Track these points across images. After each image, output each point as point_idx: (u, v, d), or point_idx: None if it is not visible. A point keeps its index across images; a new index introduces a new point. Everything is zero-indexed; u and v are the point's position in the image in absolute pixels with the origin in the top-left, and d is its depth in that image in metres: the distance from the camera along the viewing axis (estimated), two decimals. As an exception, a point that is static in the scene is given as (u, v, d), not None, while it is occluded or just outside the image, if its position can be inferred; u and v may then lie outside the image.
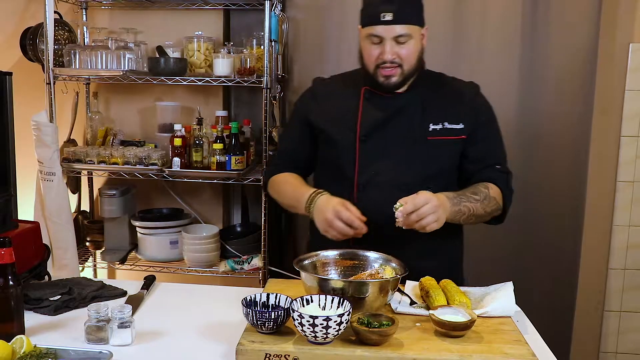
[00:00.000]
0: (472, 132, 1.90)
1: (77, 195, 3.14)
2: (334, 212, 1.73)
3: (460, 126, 1.89)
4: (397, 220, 1.68)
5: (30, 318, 1.63)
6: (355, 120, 1.90)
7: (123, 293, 1.85)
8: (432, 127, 1.87)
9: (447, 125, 1.88)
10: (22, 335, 1.42)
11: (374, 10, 1.78)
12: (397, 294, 1.66)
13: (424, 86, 1.92)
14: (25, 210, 2.78)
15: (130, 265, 2.92)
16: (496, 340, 1.46)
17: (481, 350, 1.41)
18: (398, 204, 1.68)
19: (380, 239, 1.79)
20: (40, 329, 1.60)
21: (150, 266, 2.88)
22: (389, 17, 1.76)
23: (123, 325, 1.51)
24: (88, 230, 3.09)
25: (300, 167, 2.06)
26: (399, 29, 1.77)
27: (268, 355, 1.39)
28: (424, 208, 1.65)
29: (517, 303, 1.83)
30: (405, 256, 1.71)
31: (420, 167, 1.87)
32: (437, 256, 1.90)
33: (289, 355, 1.38)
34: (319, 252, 1.75)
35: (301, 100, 2.10)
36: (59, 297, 1.75)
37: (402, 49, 1.80)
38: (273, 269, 2.71)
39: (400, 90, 1.90)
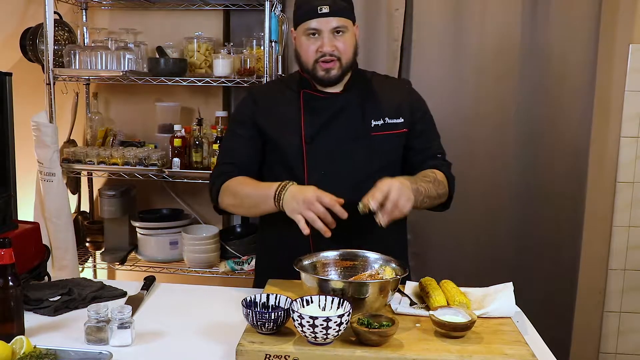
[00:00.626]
0: (412, 126, 1.95)
1: (77, 195, 3.14)
2: (315, 195, 1.68)
3: (401, 120, 1.93)
4: (376, 218, 1.66)
5: (30, 319, 1.63)
6: (298, 123, 1.91)
7: (123, 294, 1.85)
8: (374, 123, 1.91)
9: (388, 120, 1.92)
10: (22, 336, 1.42)
11: (309, 5, 1.82)
12: (397, 294, 1.66)
13: (359, 85, 1.96)
14: (25, 211, 2.78)
15: (130, 265, 2.92)
16: (496, 341, 1.46)
17: (481, 350, 1.40)
18: (361, 204, 1.67)
19: (334, 236, 1.75)
20: (40, 329, 1.59)
21: (150, 267, 2.88)
22: (325, 9, 1.80)
23: (123, 325, 1.51)
24: (88, 230, 3.09)
25: (252, 171, 1.97)
26: (336, 21, 1.82)
27: (268, 356, 1.39)
28: (393, 193, 1.65)
29: (517, 304, 1.83)
30: (355, 249, 1.76)
31: (365, 163, 1.90)
32: (384, 248, 1.83)
33: (289, 356, 1.38)
34: (319, 252, 1.75)
35: (243, 105, 2.04)
36: (59, 297, 1.75)
37: (339, 41, 1.84)
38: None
39: (337, 91, 1.93)
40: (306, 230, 1.68)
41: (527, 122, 2.88)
